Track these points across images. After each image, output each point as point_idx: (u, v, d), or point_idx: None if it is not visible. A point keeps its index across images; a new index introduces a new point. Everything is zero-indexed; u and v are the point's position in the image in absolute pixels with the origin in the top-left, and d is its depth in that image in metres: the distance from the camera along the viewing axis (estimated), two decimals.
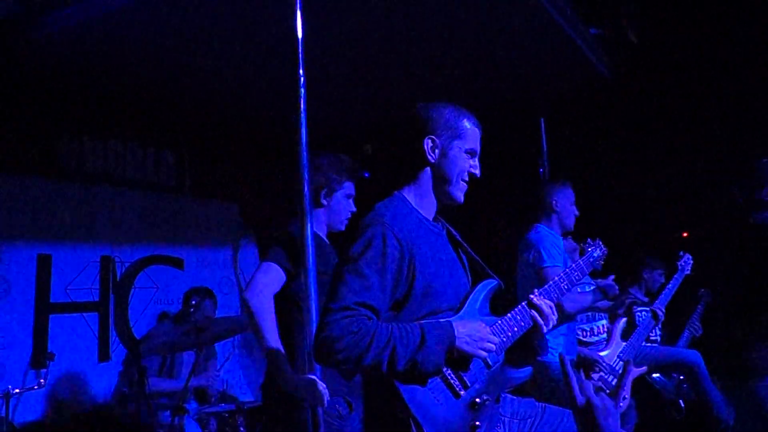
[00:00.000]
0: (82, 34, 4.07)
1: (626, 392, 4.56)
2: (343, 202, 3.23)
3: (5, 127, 4.90)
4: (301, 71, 3.27)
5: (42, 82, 4.84)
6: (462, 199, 2.37)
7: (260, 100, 5.19)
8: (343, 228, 3.24)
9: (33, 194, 5.10)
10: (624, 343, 4.78)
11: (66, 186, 5.30)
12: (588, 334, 4.73)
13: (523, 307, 2.32)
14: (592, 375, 4.54)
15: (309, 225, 3.15)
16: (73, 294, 5.27)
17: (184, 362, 5.05)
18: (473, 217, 6.34)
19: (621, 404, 4.62)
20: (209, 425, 4.60)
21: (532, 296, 2.34)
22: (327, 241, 3.24)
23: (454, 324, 2.10)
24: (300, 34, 3.29)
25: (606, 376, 4.56)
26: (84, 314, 5.31)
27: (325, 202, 3.22)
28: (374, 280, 2.05)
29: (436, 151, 2.30)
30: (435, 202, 2.36)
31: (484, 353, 2.13)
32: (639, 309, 5.32)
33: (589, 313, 4.75)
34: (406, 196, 2.33)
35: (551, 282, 2.47)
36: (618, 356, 4.69)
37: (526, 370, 2.34)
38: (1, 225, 4.89)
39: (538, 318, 2.30)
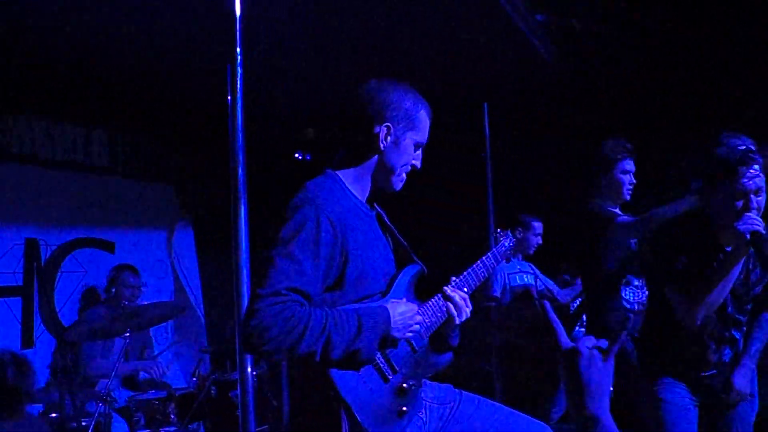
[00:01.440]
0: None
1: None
2: (620, 177, 3.82)
3: None
4: (238, 50, 3.16)
5: None
6: (399, 189, 2.34)
7: (197, 78, 5.00)
8: (628, 198, 3.86)
9: None
10: None
11: None
12: None
13: (439, 298, 2.32)
14: None
15: (243, 207, 3.09)
16: None
17: (116, 348, 4.88)
18: (414, 201, 6.30)
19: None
20: (137, 413, 4.47)
21: (446, 288, 2.33)
22: (620, 213, 3.82)
23: (389, 308, 2.08)
24: (238, 11, 3.18)
25: None
26: (6, 299, 5.07)
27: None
28: (307, 265, 1.98)
29: (389, 139, 2.25)
30: (370, 185, 2.32)
31: (410, 334, 2.15)
32: None
33: None
34: (340, 176, 2.26)
35: (469, 270, 2.45)
36: None
37: (448, 355, 2.37)
38: None
39: (452, 309, 2.30)
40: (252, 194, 3.06)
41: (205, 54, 4.50)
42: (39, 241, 5.33)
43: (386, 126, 2.23)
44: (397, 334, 2.09)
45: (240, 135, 3.17)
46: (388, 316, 2.06)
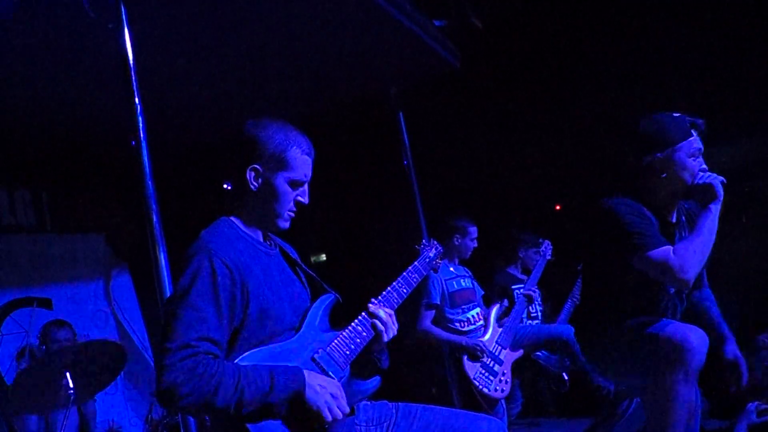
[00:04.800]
0: None
1: (507, 376, 4.72)
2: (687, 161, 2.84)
3: None
4: (136, 100, 3.18)
5: None
6: (287, 227, 2.31)
7: (105, 126, 4.99)
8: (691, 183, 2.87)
9: None
10: (501, 329, 4.91)
11: None
12: (465, 324, 4.84)
13: (363, 317, 2.30)
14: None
15: (162, 254, 3.12)
16: None
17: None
18: (344, 215, 6.38)
19: (504, 388, 4.74)
20: None
21: (370, 305, 2.32)
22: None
23: (305, 373, 2.03)
24: (131, 59, 3.20)
25: (488, 362, 4.68)
26: None
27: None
28: (209, 312, 1.97)
29: (260, 180, 2.21)
30: (262, 226, 2.31)
31: (329, 415, 2.03)
32: (518, 288, 5.47)
33: (463, 305, 4.87)
34: (233, 220, 2.26)
35: (389, 288, 2.44)
36: (496, 342, 4.81)
37: (375, 380, 2.32)
38: None
39: (379, 326, 2.29)
40: (179, 232, 3.07)
41: (107, 103, 4.52)
42: None
43: (253, 169, 2.20)
44: (311, 398, 2.00)
45: (149, 181, 3.21)
46: (303, 378, 2.01)
